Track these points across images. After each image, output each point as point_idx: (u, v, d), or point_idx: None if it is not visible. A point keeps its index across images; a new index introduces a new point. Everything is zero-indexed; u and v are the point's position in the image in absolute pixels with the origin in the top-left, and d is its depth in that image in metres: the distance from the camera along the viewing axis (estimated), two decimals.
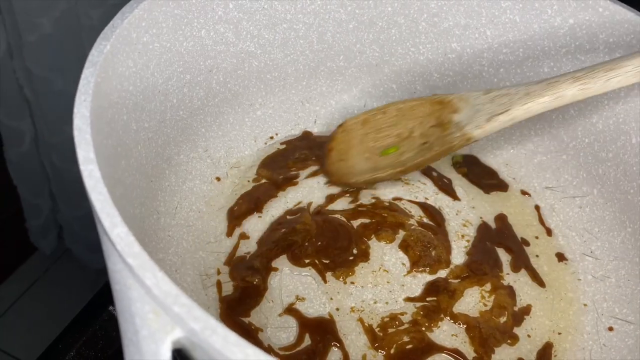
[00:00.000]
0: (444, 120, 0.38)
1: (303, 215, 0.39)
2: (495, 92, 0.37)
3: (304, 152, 0.43)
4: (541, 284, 0.38)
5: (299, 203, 0.40)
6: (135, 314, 0.20)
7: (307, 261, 0.36)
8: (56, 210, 0.90)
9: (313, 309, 0.35)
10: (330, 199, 0.40)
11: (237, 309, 0.34)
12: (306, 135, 0.45)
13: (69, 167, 0.79)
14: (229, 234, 0.38)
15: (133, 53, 0.31)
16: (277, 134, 0.44)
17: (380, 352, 0.33)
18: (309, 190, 0.41)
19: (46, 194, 0.86)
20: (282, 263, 0.36)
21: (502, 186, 0.43)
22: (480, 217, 0.41)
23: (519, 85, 0.36)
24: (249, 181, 0.41)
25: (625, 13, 0.36)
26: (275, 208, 0.39)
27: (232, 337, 0.18)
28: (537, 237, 0.40)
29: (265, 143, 0.44)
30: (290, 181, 0.41)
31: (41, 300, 0.96)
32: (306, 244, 0.37)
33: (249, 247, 0.37)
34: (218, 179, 0.40)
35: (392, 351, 0.33)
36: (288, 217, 0.39)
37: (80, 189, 0.22)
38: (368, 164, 0.41)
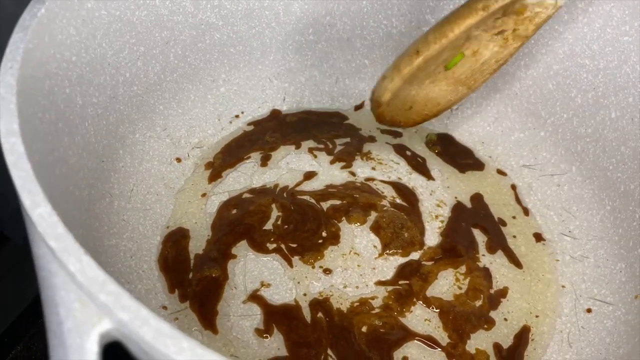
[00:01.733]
0: (514, 8, 0.32)
1: (260, 197, 0.36)
2: None
3: (275, 134, 0.41)
4: (518, 265, 0.36)
5: (264, 185, 0.38)
6: (60, 303, 0.17)
7: (271, 247, 0.34)
8: None
9: (279, 295, 0.33)
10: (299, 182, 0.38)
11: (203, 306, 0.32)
12: (275, 115, 0.43)
13: None
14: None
15: (75, 20, 0.28)
16: (243, 113, 0.42)
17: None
18: (277, 172, 0.39)
19: None
20: (246, 248, 0.34)
21: (477, 165, 0.41)
22: (455, 197, 0.39)
23: None
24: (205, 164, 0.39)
25: None
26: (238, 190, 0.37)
27: (166, 329, 0.16)
28: (514, 217, 0.39)
29: (230, 122, 0.41)
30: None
31: (15, 292, 0.93)
32: (270, 228, 0.35)
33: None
34: (178, 159, 0.38)
35: (363, 329, 0.32)
36: (244, 196, 0.37)
37: None
38: (443, 86, 0.35)
